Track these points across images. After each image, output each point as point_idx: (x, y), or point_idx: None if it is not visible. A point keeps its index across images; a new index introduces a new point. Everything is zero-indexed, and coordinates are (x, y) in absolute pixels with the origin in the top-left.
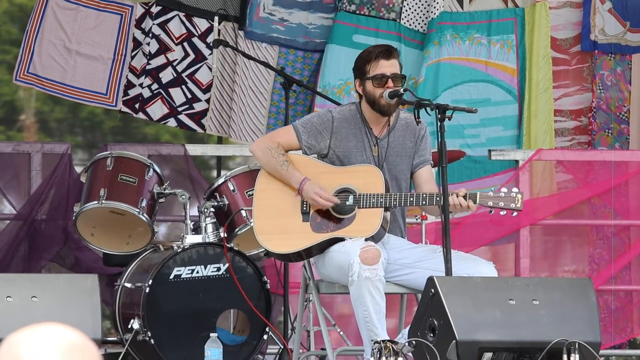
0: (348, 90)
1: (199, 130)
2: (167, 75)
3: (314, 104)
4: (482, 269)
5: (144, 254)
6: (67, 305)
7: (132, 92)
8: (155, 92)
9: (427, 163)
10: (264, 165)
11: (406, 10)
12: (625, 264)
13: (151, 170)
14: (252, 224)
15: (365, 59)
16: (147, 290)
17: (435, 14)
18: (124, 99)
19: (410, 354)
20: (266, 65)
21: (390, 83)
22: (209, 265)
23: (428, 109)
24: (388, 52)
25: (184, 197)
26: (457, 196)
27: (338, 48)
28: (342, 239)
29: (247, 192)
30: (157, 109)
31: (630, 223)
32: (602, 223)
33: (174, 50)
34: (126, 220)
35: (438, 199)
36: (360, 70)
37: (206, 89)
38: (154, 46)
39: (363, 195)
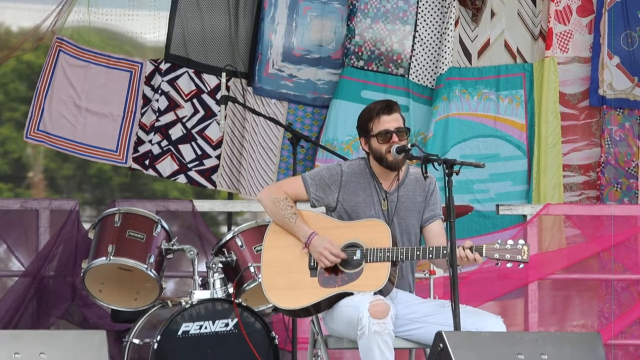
0: (357, 146)
1: (209, 186)
2: (176, 132)
3: (315, 159)
4: (490, 323)
5: (152, 310)
6: None
7: (142, 149)
8: (165, 148)
9: (438, 218)
10: (271, 216)
11: (414, 66)
12: (635, 319)
13: (159, 226)
14: (260, 280)
15: (367, 117)
16: (156, 346)
17: (443, 69)
18: (134, 155)
19: None
20: (273, 120)
21: (395, 138)
22: (217, 321)
23: (436, 163)
24: (389, 107)
25: (192, 253)
26: (464, 249)
27: (345, 103)
28: (350, 294)
29: (255, 248)
30: (166, 166)
31: (639, 278)
32: (611, 278)
33: (183, 107)
34: (134, 276)
35: (445, 252)
36: (363, 128)
37: (216, 145)
38: (163, 103)
39: (370, 249)
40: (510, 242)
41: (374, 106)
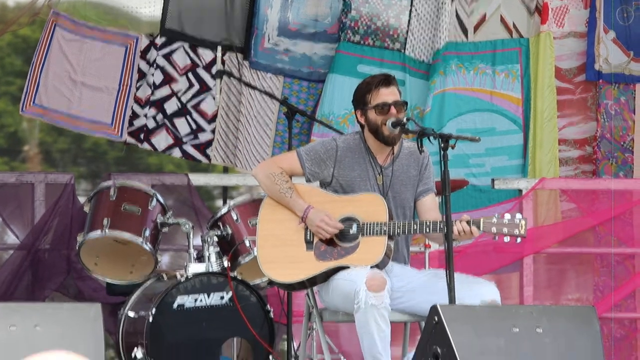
0: (352, 120)
1: (204, 160)
2: (171, 106)
3: (311, 133)
4: (484, 290)
5: (147, 283)
6: (70, 334)
7: (137, 123)
8: (160, 122)
9: (431, 191)
10: (266, 191)
11: (411, 41)
12: (630, 292)
13: (155, 200)
14: (255, 254)
15: (365, 89)
16: (151, 319)
17: (440, 44)
18: (129, 129)
19: None
20: (269, 94)
21: (392, 110)
22: (212, 294)
23: (431, 137)
24: (387, 81)
25: (187, 226)
26: (461, 222)
27: (342, 78)
28: (346, 267)
29: (250, 222)
30: (161, 140)
31: (634, 251)
32: (606, 251)
33: (178, 81)
34: (129, 249)
35: (442, 226)
36: (360, 101)
37: (211, 120)
38: (158, 77)
39: (367, 223)
40: (507, 216)
41: (372, 79)
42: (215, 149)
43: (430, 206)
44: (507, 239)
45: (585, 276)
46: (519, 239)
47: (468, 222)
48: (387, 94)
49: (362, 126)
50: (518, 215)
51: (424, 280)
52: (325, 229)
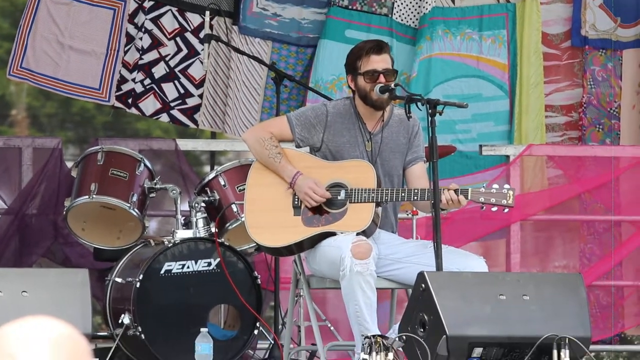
0: (340, 86)
1: (192, 125)
2: (159, 71)
3: (306, 100)
4: (472, 264)
5: (134, 249)
6: (57, 300)
7: (125, 87)
8: (147, 87)
9: (420, 160)
10: (255, 155)
11: (398, 6)
12: (618, 261)
13: (142, 165)
14: (243, 219)
15: (357, 55)
16: (138, 285)
17: (427, 9)
18: (117, 94)
19: (400, 349)
20: (257, 59)
21: (382, 78)
22: (199, 260)
23: (419, 104)
24: (379, 47)
25: (174, 192)
26: (448, 191)
27: (331, 43)
28: (333, 234)
29: (237, 187)
30: (149, 104)
31: (621, 219)
32: (594, 219)
33: (166, 45)
34: (117, 215)
35: (429, 194)
36: (351, 66)
37: (199, 84)
38: (146, 41)
39: (355, 189)
40: (495, 185)
41: (364, 45)
42: (203, 114)
43: (419, 174)
44: (494, 208)
45: (572, 244)
46: (506, 209)
47: (456, 191)
48: (377, 61)
49: (352, 92)
50: (506, 185)
51: (412, 251)
52: (312, 196)
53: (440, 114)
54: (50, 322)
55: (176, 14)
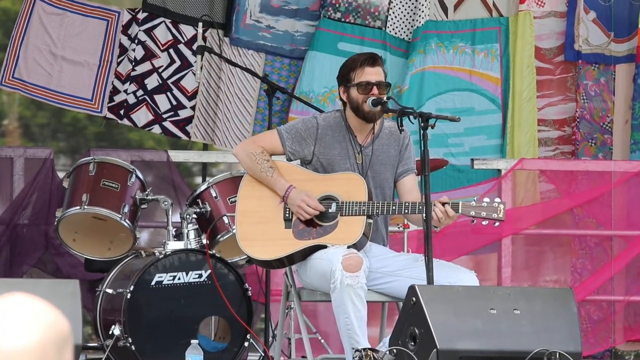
0: (333, 98)
1: (183, 137)
2: (152, 82)
3: (290, 110)
4: (463, 278)
5: (125, 260)
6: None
7: (117, 98)
8: (140, 98)
9: (411, 172)
10: (247, 170)
11: (392, 19)
12: (609, 277)
13: (134, 176)
14: (234, 231)
15: (350, 67)
16: (129, 296)
17: (420, 22)
18: (109, 105)
19: None
20: (248, 71)
21: (375, 90)
22: (190, 272)
23: (411, 117)
24: (373, 60)
25: (166, 203)
26: (439, 204)
27: (322, 55)
28: (324, 246)
29: (229, 199)
30: (141, 116)
31: (613, 233)
32: (586, 233)
33: (159, 57)
34: (108, 226)
35: (421, 207)
36: (344, 77)
37: (191, 96)
38: (139, 52)
39: (346, 202)
40: (486, 199)
41: (358, 57)
42: (195, 126)
43: (410, 187)
44: (485, 222)
45: (564, 258)
46: (497, 223)
47: (446, 204)
48: (371, 74)
49: (344, 103)
50: (497, 199)
51: (403, 264)
52: (306, 209)
53: (433, 128)
54: (30, 300)
55: (170, 25)
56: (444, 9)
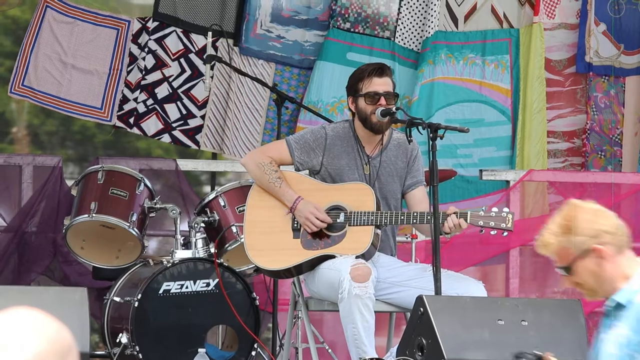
0: (341, 108)
1: (193, 146)
2: (162, 91)
3: (298, 120)
4: (471, 289)
5: (133, 268)
6: (55, 318)
7: (127, 107)
8: (150, 107)
9: (420, 184)
10: (256, 180)
11: (401, 29)
12: None
13: (142, 184)
14: (242, 240)
15: (359, 77)
16: (136, 304)
17: (429, 33)
18: (119, 113)
19: None
20: (258, 81)
21: (382, 101)
22: (198, 281)
23: (420, 127)
24: (381, 70)
25: (174, 212)
26: (449, 215)
27: (331, 65)
28: (332, 257)
29: (237, 208)
30: (151, 124)
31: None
32: None
33: (170, 66)
34: (116, 234)
35: (429, 217)
36: (353, 87)
37: (202, 105)
38: (150, 61)
39: (354, 213)
40: (494, 209)
41: (366, 67)
42: (204, 135)
43: (420, 198)
44: (493, 232)
45: None
46: (505, 233)
47: (455, 214)
48: (379, 84)
49: (352, 114)
50: (505, 209)
51: (411, 274)
52: (314, 221)
53: (442, 138)
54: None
55: (181, 35)
56: (454, 20)
